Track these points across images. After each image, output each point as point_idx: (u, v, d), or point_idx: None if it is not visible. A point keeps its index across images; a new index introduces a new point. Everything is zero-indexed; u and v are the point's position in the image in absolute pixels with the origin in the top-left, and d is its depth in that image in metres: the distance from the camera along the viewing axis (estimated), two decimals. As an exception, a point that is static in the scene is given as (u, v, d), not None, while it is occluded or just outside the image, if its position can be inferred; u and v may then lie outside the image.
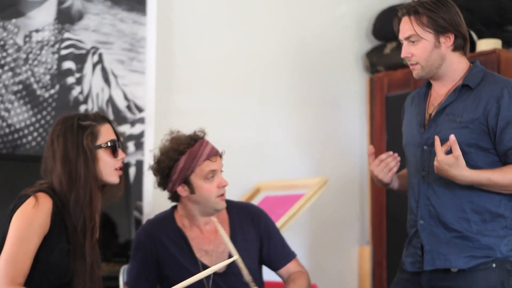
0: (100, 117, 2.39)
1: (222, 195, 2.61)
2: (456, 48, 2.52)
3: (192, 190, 2.60)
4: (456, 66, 2.54)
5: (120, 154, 2.38)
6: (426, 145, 2.51)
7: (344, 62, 4.27)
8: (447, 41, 2.50)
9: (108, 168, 2.36)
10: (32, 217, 2.25)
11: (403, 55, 2.55)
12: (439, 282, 2.49)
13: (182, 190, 2.62)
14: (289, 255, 2.74)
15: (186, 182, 2.59)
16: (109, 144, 2.36)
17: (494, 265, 2.44)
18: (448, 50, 2.51)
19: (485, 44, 3.67)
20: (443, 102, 2.53)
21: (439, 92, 2.57)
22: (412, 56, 2.52)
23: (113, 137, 2.39)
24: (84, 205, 2.30)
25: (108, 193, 2.43)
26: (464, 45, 2.54)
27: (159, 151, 2.65)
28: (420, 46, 2.50)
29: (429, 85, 2.63)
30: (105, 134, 2.37)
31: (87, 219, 2.30)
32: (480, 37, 3.79)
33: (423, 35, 2.49)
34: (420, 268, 2.52)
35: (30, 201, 2.27)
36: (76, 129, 2.33)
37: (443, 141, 2.43)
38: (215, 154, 2.60)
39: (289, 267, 2.72)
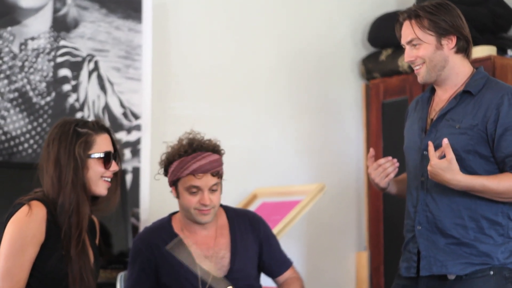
0: (98, 126, 2.38)
1: (201, 210, 2.58)
2: (458, 50, 2.52)
3: (178, 195, 2.61)
4: (459, 69, 2.54)
5: (113, 166, 2.36)
6: (425, 150, 2.49)
7: (340, 69, 4.28)
8: (449, 43, 2.50)
9: (96, 177, 2.33)
10: (26, 227, 2.23)
11: (406, 59, 2.54)
12: None
13: (173, 191, 2.64)
14: (287, 262, 2.75)
15: (175, 185, 2.61)
16: (101, 155, 2.34)
17: (491, 272, 2.44)
18: (451, 52, 2.51)
19: (480, 51, 3.68)
20: (444, 107, 2.52)
21: (442, 97, 2.57)
22: (416, 58, 2.52)
23: (109, 148, 2.37)
24: (70, 212, 2.28)
25: (103, 203, 2.42)
26: (467, 48, 2.54)
27: (172, 144, 2.65)
28: (422, 49, 2.50)
29: (433, 90, 2.62)
30: (101, 144, 2.35)
31: (73, 226, 2.28)
32: (475, 44, 3.79)
33: (424, 38, 2.50)
34: (414, 273, 2.51)
35: (24, 209, 2.25)
36: (71, 134, 2.33)
37: (441, 147, 2.42)
38: (203, 171, 2.55)
39: (286, 275, 2.72)
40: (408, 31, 2.52)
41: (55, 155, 2.31)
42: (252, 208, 3.69)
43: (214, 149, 2.61)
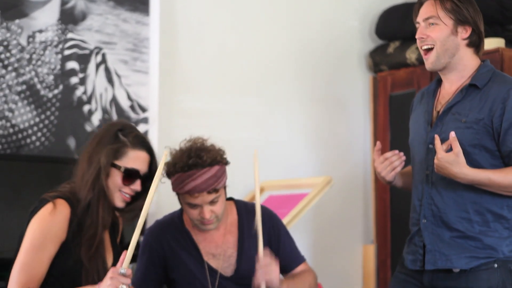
0: (140, 142, 2.33)
1: (203, 222, 2.53)
2: (470, 43, 2.53)
3: (181, 205, 2.58)
4: (467, 61, 2.54)
5: (134, 185, 2.31)
6: (431, 143, 2.50)
7: (348, 62, 4.28)
8: (464, 33, 2.51)
9: (113, 187, 2.31)
10: (48, 225, 2.23)
11: (418, 35, 2.53)
12: (441, 282, 2.49)
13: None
14: (298, 259, 2.71)
15: (177, 196, 2.57)
16: (122, 169, 2.30)
17: (496, 265, 2.45)
18: (463, 42, 2.52)
19: (488, 43, 3.66)
20: (450, 101, 2.52)
21: (448, 90, 2.57)
22: (428, 37, 2.52)
23: (139, 166, 2.31)
24: (84, 209, 2.27)
25: (127, 214, 2.40)
26: (479, 44, 2.55)
27: (174, 151, 2.55)
28: (437, 29, 2.51)
29: (438, 83, 2.63)
30: (132, 159, 2.31)
31: (85, 226, 2.26)
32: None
33: (443, 19, 2.50)
34: (421, 266, 2.52)
35: (48, 207, 2.25)
36: (110, 137, 2.30)
37: (446, 140, 2.42)
38: (199, 191, 2.46)
39: (298, 270, 2.70)
40: (429, 9, 2.53)
41: (90, 151, 2.30)
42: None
43: (212, 162, 2.49)
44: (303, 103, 4.12)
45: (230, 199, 2.73)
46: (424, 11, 2.54)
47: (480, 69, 2.53)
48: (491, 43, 3.66)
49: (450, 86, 2.56)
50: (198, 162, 2.47)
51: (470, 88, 2.51)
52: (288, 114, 4.07)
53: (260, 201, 2.43)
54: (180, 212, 2.70)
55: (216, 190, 2.50)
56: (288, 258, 2.67)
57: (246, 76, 3.96)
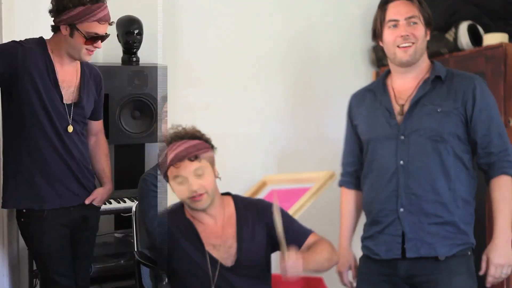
0: None
1: (194, 197, 2.58)
2: (428, 45, 2.67)
3: (172, 190, 2.64)
4: (426, 61, 2.67)
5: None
6: (403, 135, 2.58)
7: (351, 56, 4.28)
8: (428, 35, 2.65)
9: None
10: None
11: (403, 32, 2.62)
12: (420, 270, 2.55)
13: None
14: (306, 233, 2.72)
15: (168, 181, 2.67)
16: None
17: (469, 252, 2.56)
18: (426, 43, 2.66)
19: (491, 38, 3.67)
20: (416, 94, 2.62)
21: (404, 86, 2.66)
22: (411, 35, 2.61)
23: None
24: None
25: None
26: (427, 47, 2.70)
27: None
28: (418, 28, 2.62)
29: (384, 81, 2.72)
30: None
31: None
32: (487, 31, 3.79)
33: (421, 19, 2.62)
34: (398, 254, 2.57)
35: None
36: None
37: (425, 129, 2.53)
38: (179, 159, 2.57)
39: (309, 242, 2.71)
40: (409, 8, 2.63)
41: None
42: (261, 195, 3.70)
43: (191, 136, 2.60)
44: (306, 97, 4.12)
45: (228, 194, 2.75)
46: (405, 10, 2.63)
47: (435, 66, 2.65)
48: (495, 38, 3.66)
49: (405, 82, 2.66)
50: (177, 135, 2.60)
51: (435, 81, 2.61)
52: (291, 108, 4.07)
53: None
54: (181, 204, 2.72)
55: (197, 158, 2.56)
56: (295, 235, 2.69)
57: (249, 70, 3.97)
